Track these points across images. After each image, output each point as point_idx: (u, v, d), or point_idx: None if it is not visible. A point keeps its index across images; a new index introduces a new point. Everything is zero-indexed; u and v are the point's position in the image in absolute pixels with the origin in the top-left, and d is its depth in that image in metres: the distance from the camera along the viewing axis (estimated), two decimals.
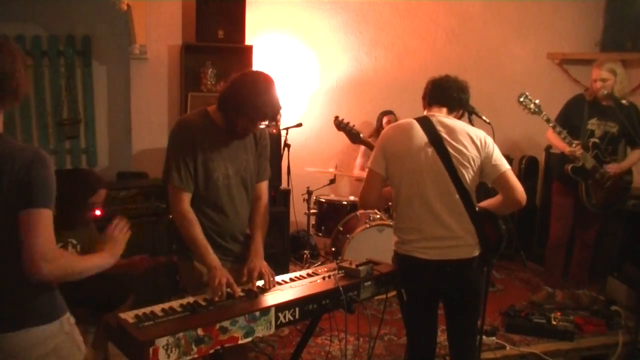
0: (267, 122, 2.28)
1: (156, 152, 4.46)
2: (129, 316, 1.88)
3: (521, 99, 3.50)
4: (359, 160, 4.92)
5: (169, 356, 1.75)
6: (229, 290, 2.11)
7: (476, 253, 2.39)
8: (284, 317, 2.06)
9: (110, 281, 2.94)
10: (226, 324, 1.90)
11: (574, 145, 3.62)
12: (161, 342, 1.73)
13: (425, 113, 2.49)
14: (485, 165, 2.37)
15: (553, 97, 4.10)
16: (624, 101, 3.70)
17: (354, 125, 3.39)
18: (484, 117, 2.69)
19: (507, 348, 3.41)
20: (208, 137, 2.28)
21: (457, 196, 2.33)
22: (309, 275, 2.42)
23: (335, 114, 3.53)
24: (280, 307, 2.05)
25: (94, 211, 2.88)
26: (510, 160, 4.86)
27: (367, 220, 4.02)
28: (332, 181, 4.60)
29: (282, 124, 4.42)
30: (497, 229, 2.49)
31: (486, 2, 5.42)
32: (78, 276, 1.65)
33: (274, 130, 4.20)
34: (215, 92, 4.37)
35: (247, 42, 4.56)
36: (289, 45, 5.03)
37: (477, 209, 2.40)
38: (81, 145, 4.38)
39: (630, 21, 5.00)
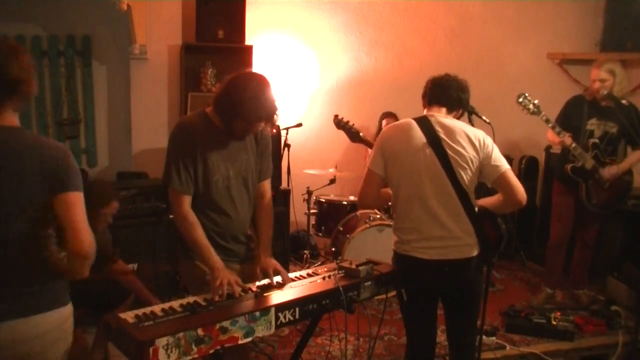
0: (263, 124, 2.27)
1: (156, 152, 4.46)
2: (129, 316, 1.88)
3: (520, 100, 3.50)
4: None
5: (169, 356, 1.75)
6: (229, 290, 2.11)
7: (475, 253, 2.39)
8: (284, 317, 2.06)
9: (110, 281, 2.95)
10: (226, 324, 1.90)
11: (562, 135, 3.62)
12: (161, 342, 1.73)
13: (424, 112, 2.49)
14: (485, 165, 2.37)
15: (553, 97, 4.10)
16: (624, 101, 3.69)
17: (353, 124, 3.39)
18: (484, 117, 2.69)
19: (507, 348, 3.41)
20: (208, 139, 2.27)
21: (455, 196, 2.33)
22: (309, 275, 2.42)
23: (335, 114, 3.53)
24: (280, 307, 2.05)
25: (105, 222, 2.90)
26: (510, 160, 4.86)
27: (367, 220, 4.02)
28: (332, 181, 4.60)
29: (282, 124, 4.42)
30: (496, 228, 2.49)
31: (486, 2, 5.42)
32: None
33: (274, 131, 4.20)
34: (215, 93, 4.36)
35: (247, 42, 4.56)
36: (289, 45, 5.03)
37: (476, 209, 2.40)
38: (81, 145, 4.38)
39: (630, 21, 5.00)
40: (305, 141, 5.12)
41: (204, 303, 2.04)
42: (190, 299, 2.08)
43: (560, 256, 4.03)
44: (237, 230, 2.42)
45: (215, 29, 4.41)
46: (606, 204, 3.81)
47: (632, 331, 3.57)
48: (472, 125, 2.54)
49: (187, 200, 2.27)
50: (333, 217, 4.37)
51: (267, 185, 2.51)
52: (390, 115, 4.83)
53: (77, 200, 1.70)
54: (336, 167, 4.64)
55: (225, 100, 2.20)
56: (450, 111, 2.47)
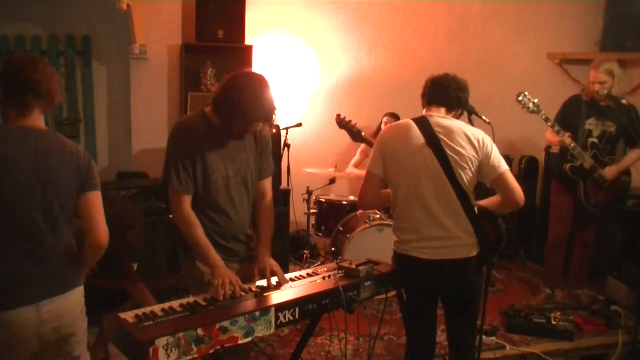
0: (262, 124, 2.27)
1: (156, 152, 4.46)
2: (129, 316, 1.89)
3: (520, 98, 3.50)
4: (355, 159, 4.90)
5: (169, 356, 1.75)
6: (230, 290, 2.11)
7: (474, 253, 2.39)
8: (284, 317, 2.07)
9: (110, 281, 2.94)
10: (226, 324, 1.90)
11: (561, 134, 3.62)
12: (161, 342, 1.73)
13: (424, 112, 2.49)
14: (484, 165, 2.37)
15: (553, 97, 4.10)
16: (623, 101, 3.69)
17: (355, 124, 3.39)
18: (484, 117, 2.69)
19: (507, 348, 3.41)
20: (207, 139, 2.27)
21: (454, 197, 2.33)
22: (309, 275, 2.42)
23: (335, 114, 3.53)
24: (280, 307, 2.06)
25: (129, 245, 2.90)
26: (510, 160, 4.87)
27: (367, 220, 4.02)
28: (332, 181, 4.59)
29: (282, 124, 4.42)
30: (497, 228, 2.49)
31: (486, 2, 5.42)
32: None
33: (274, 131, 4.19)
34: (214, 93, 4.37)
35: (247, 42, 4.55)
36: (289, 45, 5.03)
37: (475, 209, 2.40)
38: (81, 145, 4.38)
39: (630, 21, 5.01)
40: (305, 141, 5.12)
41: (204, 303, 2.04)
42: (190, 299, 2.08)
43: (560, 256, 4.03)
44: (237, 229, 2.42)
45: (215, 29, 4.41)
46: (605, 204, 3.81)
47: (632, 331, 3.57)
48: (472, 125, 2.54)
49: (187, 200, 2.27)
50: (333, 217, 4.37)
51: (267, 184, 2.51)
52: (391, 115, 4.83)
53: (99, 199, 2.01)
54: (336, 167, 4.64)
55: (224, 100, 2.20)
56: (449, 111, 2.47)
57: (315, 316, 2.46)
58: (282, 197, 4.40)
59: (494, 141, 2.45)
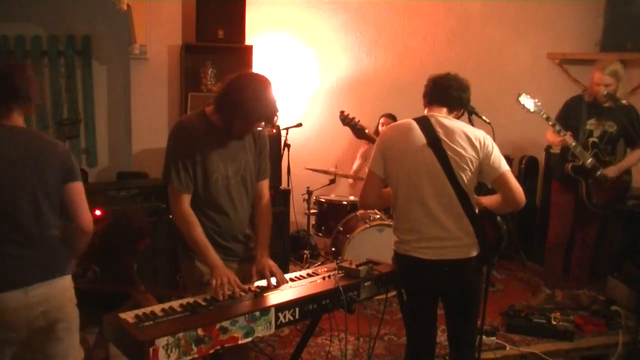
0: (263, 124, 2.27)
1: (156, 152, 4.46)
2: (129, 316, 1.89)
3: (520, 98, 3.50)
4: (356, 164, 4.92)
5: (169, 356, 1.75)
6: (230, 289, 2.11)
7: (474, 253, 2.39)
8: (284, 317, 2.06)
9: (116, 287, 2.94)
10: (226, 324, 1.90)
11: (562, 133, 3.62)
12: (161, 342, 1.73)
13: (425, 112, 2.49)
14: (484, 165, 2.37)
15: (553, 97, 4.09)
16: (623, 101, 3.69)
17: (359, 121, 3.38)
18: (484, 117, 2.69)
19: (507, 348, 3.41)
20: (206, 138, 2.28)
21: (455, 197, 2.33)
22: (309, 275, 2.42)
23: (335, 114, 3.53)
24: (280, 307, 2.06)
25: (134, 254, 2.91)
26: (510, 160, 4.87)
27: (367, 220, 4.02)
28: (332, 181, 4.60)
29: (282, 124, 4.41)
30: (497, 228, 2.49)
31: (486, 2, 5.42)
32: None
33: (274, 131, 4.19)
34: (216, 93, 4.37)
35: (247, 42, 4.56)
36: (289, 45, 5.03)
37: (476, 209, 2.40)
38: (81, 145, 4.39)
39: (630, 21, 5.00)
40: (305, 141, 5.12)
41: (204, 303, 2.04)
42: (190, 299, 2.08)
43: (560, 256, 4.03)
44: (237, 229, 2.42)
45: (215, 29, 4.41)
46: (606, 203, 3.81)
47: (632, 331, 3.57)
48: (472, 125, 2.54)
49: (186, 199, 2.27)
50: (333, 217, 4.37)
51: (265, 185, 2.51)
52: (389, 116, 4.83)
53: (81, 188, 2.14)
54: (336, 167, 4.64)
55: (226, 99, 2.20)
56: (450, 111, 2.47)
57: (315, 316, 2.46)
58: (282, 197, 4.40)
59: (494, 141, 2.45)
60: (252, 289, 2.21)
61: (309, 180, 4.57)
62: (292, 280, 2.34)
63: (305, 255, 4.45)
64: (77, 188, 2.11)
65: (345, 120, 3.34)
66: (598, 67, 3.68)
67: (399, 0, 5.29)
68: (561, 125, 3.65)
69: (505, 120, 4.44)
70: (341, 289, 2.23)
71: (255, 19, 4.77)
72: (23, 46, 4.14)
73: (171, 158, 2.27)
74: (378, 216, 4.09)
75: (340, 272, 2.41)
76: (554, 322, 3.58)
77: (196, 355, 1.84)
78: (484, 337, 3.11)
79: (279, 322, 2.06)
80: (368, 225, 3.95)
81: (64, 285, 2.12)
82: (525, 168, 5.22)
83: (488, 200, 2.49)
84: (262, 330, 2.01)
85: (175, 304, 2.03)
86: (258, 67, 4.69)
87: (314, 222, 4.52)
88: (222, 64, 4.57)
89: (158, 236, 3.75)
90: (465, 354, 2.58)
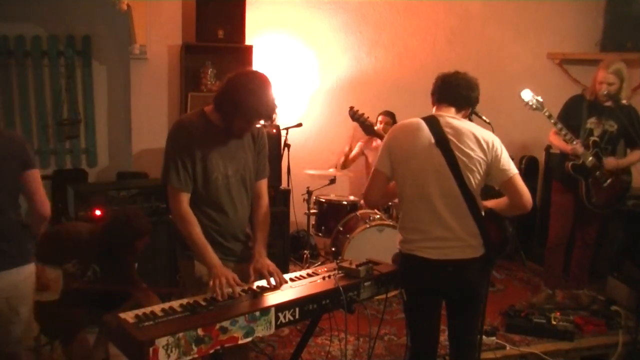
0: (262, 122, 2.27)
1: (156, 152, 4.45)
2: (129, 316, 1.89)
3: (523, 95, 3.50)
4: (354, 152, 4.86)
5: (169, 356, 1.75)
6: (229, 290, 2.11)
7: (478, 254, 2.39)
8: (284, 317, 2.07)
9: (117, 287, 2.94)
10: (226, 324, 1.90)
11: (574, 142, 3.63)
12: (161, 342, 1.73)
13: (433, 111, 2.48)
14: (493, 168, 2.36)
15: (553, 97, 4.09)
16: (623, 101, 3.69)
17: (368, 117, 3.37)
18: (483, 117, 2.68)
19: (507, 348, 3.41)
20: (206, 137, 2.28)
21: (461, 198, 2.32)
22: (309, 275, 2.42)
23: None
24: (280, 307, 2.06)
25: (134, 254, 2.91)
26: None
27: (367, 220, 4.02)
28: (332, 181, 4.59)
29: (282, 124, 4.42)
30: (503, 231, 2.49)
31: (486, 2, 5.42)
32: None
33: (274, 131, 4.19)
34: (215, 92, 4.38)
35: (247, 42, 4.56)
36: (289, 45, 5.03)
37: (482, 211, 2.40)
38: (81, 145, 4.39)
39: (630, 21, 5.01)
40: (305, 141, 5.12)
41: (204, 303, 2.04)
42: (190, 299, 2.08)
43: (560, 256, 4.02)
44: (237, 228, 2.42)
45: (215, 29, 4.41)
46: (606, 203, 3.81)
47: (632, 331, 3.57)
48: None
49: (185, 199, 2.27)
50: (333, 217, 4.37)
51: (263, 185, 2.51)
52: (387, 114, 4.81)
53: (38, 175, 2.29)
54: (336, 167, 4.64)
55: (226, 97, 2.20)
56: (458, 110, 2.45)
57: (315, 316, 2.46)
58: (282, 197, 4.40)
59: None
60: (252, 288, 2.21)
61: (309, 180, 4.57)
62: (292, 280, 2.34)
63: (305, 255, 4.45)
64: (33, 175, 2.24)
65: (355, 116, 3.33)
66: (602, 65, 3.69)
67: (399, 0, 5.29)
68: (562, 124, 3.65)
69: (506, 120, 4.44)
70: (341, 289, 2.23)
71: (255, 19, 4.78)
72: (23, 46, 4.14)
73: (170, 157, 2.27)
74: (378, 216, 4.09)
75: (340, 272, 2.41)
76: (554, 322, 3.58)
77: (196, 355, 1.84)
78: (484, 337, 3.11)
79: (279, 322, 2.06)
80: (368, 225, 3.95)
81: (28, 273, 2.26)
82: (525, 168, 5.21)
83: (494, 203, 2.48)
84: (262, 330, 2.01)
85: (175, 304, 2.03)
86: (258, 67, 4.67)
87: (314, 222, 4.52)
88: (222, 64, 4.58)
89: (158, 236, 3.75)
90: (466, 354, 2.57)
